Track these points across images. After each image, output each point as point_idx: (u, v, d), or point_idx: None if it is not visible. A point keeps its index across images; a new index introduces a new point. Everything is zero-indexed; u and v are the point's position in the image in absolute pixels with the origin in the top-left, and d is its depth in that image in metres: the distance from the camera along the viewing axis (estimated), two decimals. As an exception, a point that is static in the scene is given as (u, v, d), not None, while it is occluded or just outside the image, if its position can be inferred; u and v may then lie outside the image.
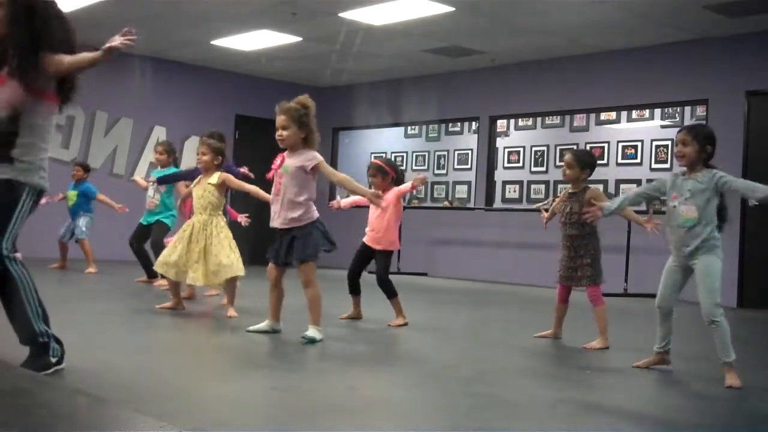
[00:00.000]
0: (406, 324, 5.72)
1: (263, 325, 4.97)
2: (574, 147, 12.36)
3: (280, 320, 4.98)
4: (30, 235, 9.16)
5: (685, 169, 4.19)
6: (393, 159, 14.57)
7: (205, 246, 5.70)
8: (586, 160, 5.39)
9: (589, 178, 5.43)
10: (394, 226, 5.90)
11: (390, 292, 5.79)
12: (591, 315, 5.23)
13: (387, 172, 5.91)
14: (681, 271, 4.18)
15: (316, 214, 4.87)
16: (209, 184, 5.85)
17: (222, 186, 5.85)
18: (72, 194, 9.36)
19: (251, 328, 4.97)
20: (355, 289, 5.94)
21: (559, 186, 12.52)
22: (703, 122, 4.74)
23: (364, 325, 5.73)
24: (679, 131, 4.23)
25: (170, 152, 7.85)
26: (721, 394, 3.90)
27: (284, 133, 4.77)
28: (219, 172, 5.89)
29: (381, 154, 14.83)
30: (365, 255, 5.88)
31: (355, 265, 5.91)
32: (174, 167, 7.86)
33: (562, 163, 5.53)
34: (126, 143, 11.94)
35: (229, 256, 5.70)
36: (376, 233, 5.82)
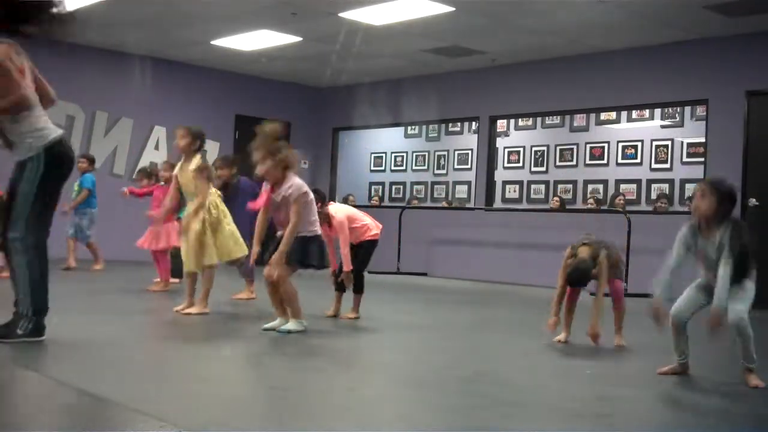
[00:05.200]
0: (357, 318, 5.92)
1: (276, 322, 5.10)
2: (574, 147, 12.39)
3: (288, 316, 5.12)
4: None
5: (695, 220, 4.03)
6: (393, 158, 14.59)
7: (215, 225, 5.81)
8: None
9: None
10: (354, 223, 5.94)
11: (359, 286, 5.97)
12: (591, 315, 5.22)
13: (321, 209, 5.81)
14: (707, 292, 4.06)
15: (315, 230, 5.10)
16: (192, 170, 5.86)
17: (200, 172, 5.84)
18: (76, 186, 9.44)
19: (266, 326, 5.08)
20: (341, 286, 6.02)
21: (559, 186, 12.52)
22: (725, 178, 4.40)
23: (363, 324, 5.73)
24: (699, 183, 4.09)
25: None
26: (721, 394, 3.90)
27: (263, 168, 5.02)
28: (197, 157, 5.92)
29: (381, 154, 14.88)
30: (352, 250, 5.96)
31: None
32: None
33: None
34: (126, 143, 11.94)
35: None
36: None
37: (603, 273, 5.01)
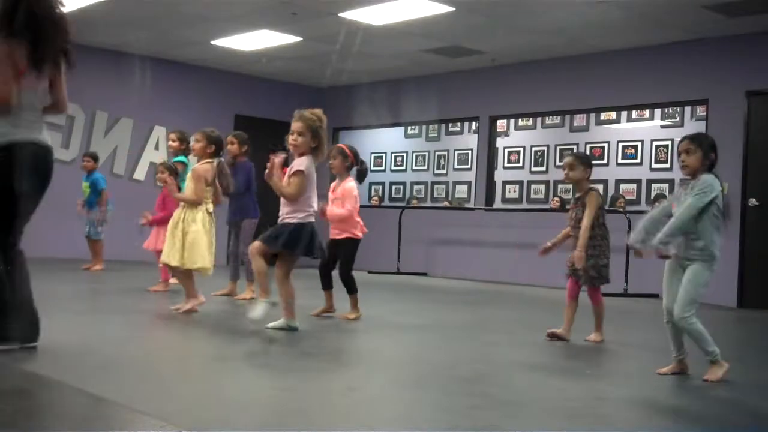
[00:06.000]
0: (358, 318, 5.87)
1: (279, 322, 5.07)
2: (574, 147, 12.39)
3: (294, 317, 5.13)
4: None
5: (689, 179, 4.19)
6: (393, 158, 14.59)
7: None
8: (586, 158, 5.43)
9: (589, 178, 5.42)
10: (352, 214, 5.96)
11: (351, 287, 5.94)
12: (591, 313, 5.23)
13: (347, 156, 6.02)
14: (681, 271, 4.17)
15: (303, 218, 5.07)
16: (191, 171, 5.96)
17: (195, 176, 5.82)
18: (85, 186, 9.55)
19: (270, 325, 5.05)
20: (327, 284, 6.02)
21: (559, 186, 12.52)
22: (702, 131, 4.65)
23: (363, 325, 5.73)
24: (681, 141, 4.22)
25: (182, 140, 7.75)
26: (720, 393, 3.90)
27: (299, 139, 5.08)
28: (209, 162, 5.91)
29: (381, 154, 14.87)
30: (333, 248, 5.99)
31: (327, 260, 5.99)
32: (183, 156, 7.74)
33: (562, 165, 5.54)
34: (126, 143, 11.93)
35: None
36: (336, 223, 5.99)
37: (591, 204, 5.19)
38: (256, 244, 5.12)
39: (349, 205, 5.89)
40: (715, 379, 4.01)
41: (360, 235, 6.00)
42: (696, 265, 4.08)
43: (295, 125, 5.09)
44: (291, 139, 5.11)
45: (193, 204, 5.80)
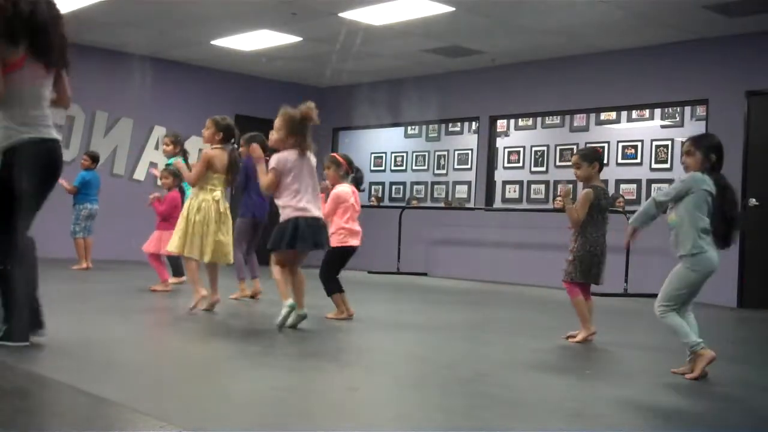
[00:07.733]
0: (346, 318, 5.81)
1: (281, 314, 5.07)
2: (574, 147, 12.39)
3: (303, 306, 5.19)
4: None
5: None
6: (393, 158, 14.60)
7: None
8: (591, 155, 5.42)
9: (600, 171, 5.45)
10: (331, 221, 5.91)
11: (326, 290, 5.91)
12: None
13: (340, 164, 6.05)
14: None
15: (285, 214, 5.09)
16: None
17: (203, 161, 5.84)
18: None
19: (276, 321, 5.07)
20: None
21: (559, 186, 12.51)
22: (709, 133, 4.72)
23: (364, 324, 5.73)
24: (684, 142, 4.25)
25: (176, 143, 7.74)
26: (720, 392, 3.90)
27: (274, 135, 5.12)
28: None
29: (381, 154, 14.86)
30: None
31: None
32: (178, 158, 7.70)
33: (569, 162, 5.58)
34: (126, 143, 11.94)
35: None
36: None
37: (580, 198, 5.26)
38: (274, 256, 5.21)
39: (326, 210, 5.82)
40: (694, 377, 4.02)
41: (332, 243, 5.75)
42: (679, 265, 4.15)
43: (276, 121, 5.12)
44: (270, 134, 5.17)
45: (192, 185, 5.87)
